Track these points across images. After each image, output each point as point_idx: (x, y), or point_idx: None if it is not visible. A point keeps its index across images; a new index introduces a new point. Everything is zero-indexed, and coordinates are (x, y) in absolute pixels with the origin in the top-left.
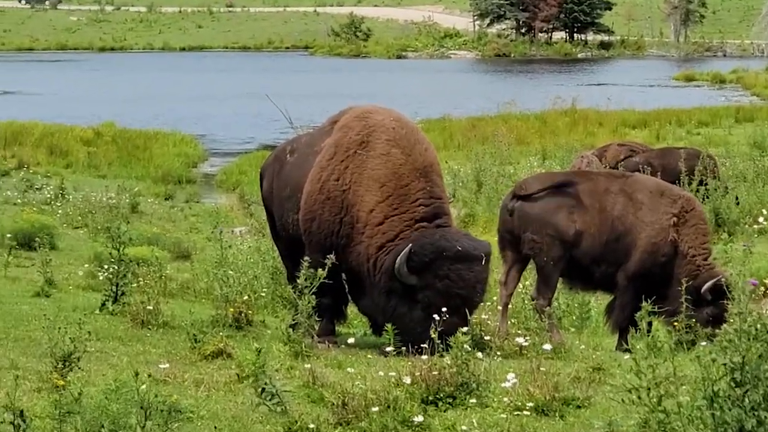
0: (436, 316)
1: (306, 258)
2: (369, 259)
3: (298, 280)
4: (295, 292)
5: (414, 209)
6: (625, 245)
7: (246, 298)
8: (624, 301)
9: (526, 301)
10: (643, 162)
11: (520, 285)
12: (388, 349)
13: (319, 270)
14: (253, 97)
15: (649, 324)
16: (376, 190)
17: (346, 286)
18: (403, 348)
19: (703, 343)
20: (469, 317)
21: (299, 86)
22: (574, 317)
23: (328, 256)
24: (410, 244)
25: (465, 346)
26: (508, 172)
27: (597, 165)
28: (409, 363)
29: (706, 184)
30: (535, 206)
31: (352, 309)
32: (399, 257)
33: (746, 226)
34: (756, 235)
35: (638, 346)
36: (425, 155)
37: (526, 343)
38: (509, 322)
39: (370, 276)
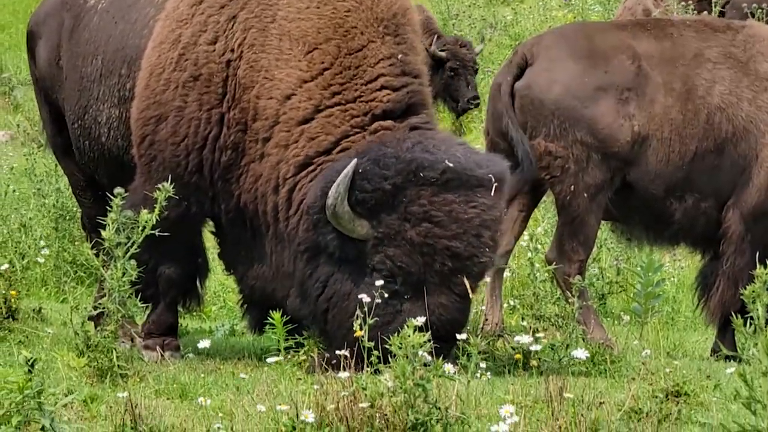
0: (405, 296)
1: (134, 187)
2: (279, 187)
3: (103, 232)
4: (99, 255)
5: (372, 95)
6: (737, 160)
7: (5, 267)
8: (737, 265)
9: (537, 266)
10: None
11: (525, 236)
12: (272, 359)
13: (145, 213)
14: None
15: None
16: (298, 58)
17: (218, 243)
18: (325, 360)
19: None
20: (471, 295)
21: None
22: (628, 294)
23: (168, 185)
24: (354, 159)
25: (420, 353)
26: (503, 17)
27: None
28: (315, 387)
29: None
30: (555, 87)
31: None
32: (334, 184)
33: None
34: None
35: (752, 350)
36: None
37: (538, 346)
38: (503, 305)
39: (277, 221)
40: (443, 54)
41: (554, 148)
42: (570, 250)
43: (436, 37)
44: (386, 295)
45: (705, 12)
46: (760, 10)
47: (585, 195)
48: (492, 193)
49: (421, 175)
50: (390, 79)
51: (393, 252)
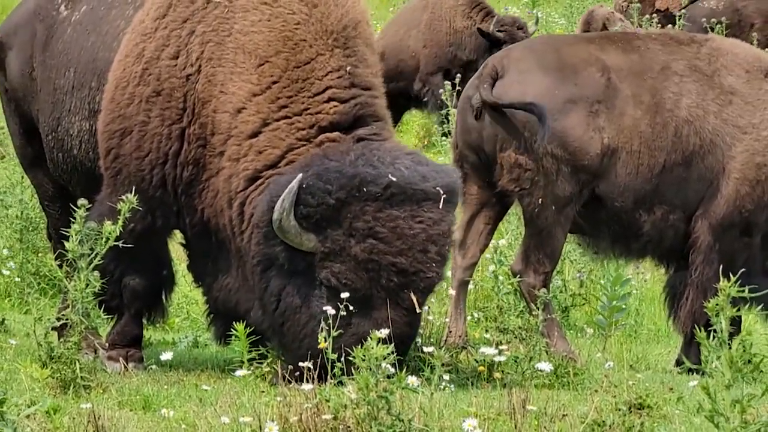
0: (353, 311)
1: (101, 199)
2: (232, 201)
3: (67, 244)
4: (63, 266)
5: (318, 107)
6: (704, 173)
7: None
8: (706, 275)
9: (501, 278)
10: (723, 7)
11: (491, 248)
12: (239, 373)
13: (108, 224)
14: None
15: (737, 320)
16: (250, 71)
17: (187, 255)
18: (288, 372)
19: None
20: (418, 310)
21: None
22: (592, 307)
23: (132, 197)
24: (299, 173)
25: (383, 365)
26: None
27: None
28: (278, 399)
29: None
30: (526, 99)
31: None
32: (279, 198)
33: None
34: None
35: (715, 363)
36: (345, 5)
37: (502, 358)
38: (467, 317)
39: (234, 235)
40: (500, 35)
41: (524, 161)
42: (536, 262)
43: (491, 16)
44: (333, 309)
45: (669, 26)
46: (718, 25)
47: (553, 207)
48: (440, 207)
49: (365, 189)
50: (338, 91)
51: (338, 268)
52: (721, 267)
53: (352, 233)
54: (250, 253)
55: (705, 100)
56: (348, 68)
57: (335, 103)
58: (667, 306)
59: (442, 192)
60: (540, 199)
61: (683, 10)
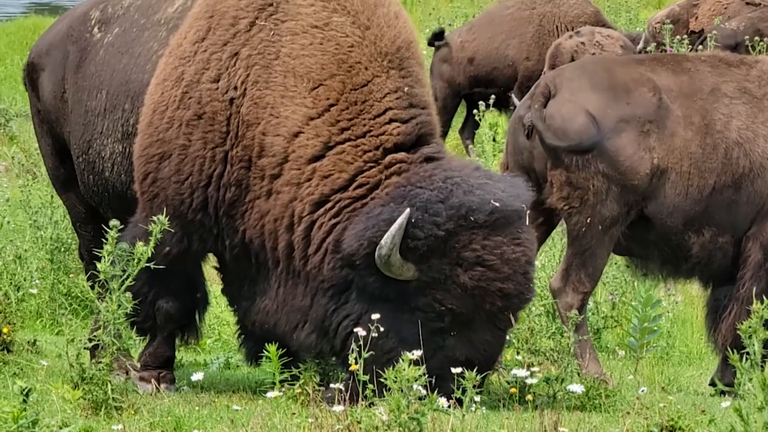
0: (451, 333)
1: (135, 221)
2: (294, 225)
3: (98, 264)
4: (95, 287)
5: (381, 128)
6: (753, 196)
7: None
8: (753, 291)
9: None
10: (744, 27)
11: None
12: (271, 394)
13: (140, 245)
14: None
15: None
16: (303, 95)
17: (221, 278)
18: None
19: None
20: (514, 327)
21: None
22: (624, 329)
23: (163, 218)
24: (407, 208)
25: (415, 387)
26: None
27: (608, 47)
28: (310, 420)
29: None
30: (579, 119)
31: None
32: (387, 234)
33: None
34: None
35: (748, 385)
36: (397, 27)
37: (533, 380)
38: None
39: (291, 258)
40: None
41: (575, 179)
42: (576, 281)
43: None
44: (428, 335)
45: (700, 47)
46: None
47: (600, 227)
48: (526, 224)
49: (471, 218)
50: (398, 112)
51: (442, 295)
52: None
53: (460, 262)
54: (318, 277)
55: (755, 123)
56: (405, 89)
57: (397, 124)
58: (708, 321)
59: (526, 209)
60: (588, 218)
61: (714, 32)
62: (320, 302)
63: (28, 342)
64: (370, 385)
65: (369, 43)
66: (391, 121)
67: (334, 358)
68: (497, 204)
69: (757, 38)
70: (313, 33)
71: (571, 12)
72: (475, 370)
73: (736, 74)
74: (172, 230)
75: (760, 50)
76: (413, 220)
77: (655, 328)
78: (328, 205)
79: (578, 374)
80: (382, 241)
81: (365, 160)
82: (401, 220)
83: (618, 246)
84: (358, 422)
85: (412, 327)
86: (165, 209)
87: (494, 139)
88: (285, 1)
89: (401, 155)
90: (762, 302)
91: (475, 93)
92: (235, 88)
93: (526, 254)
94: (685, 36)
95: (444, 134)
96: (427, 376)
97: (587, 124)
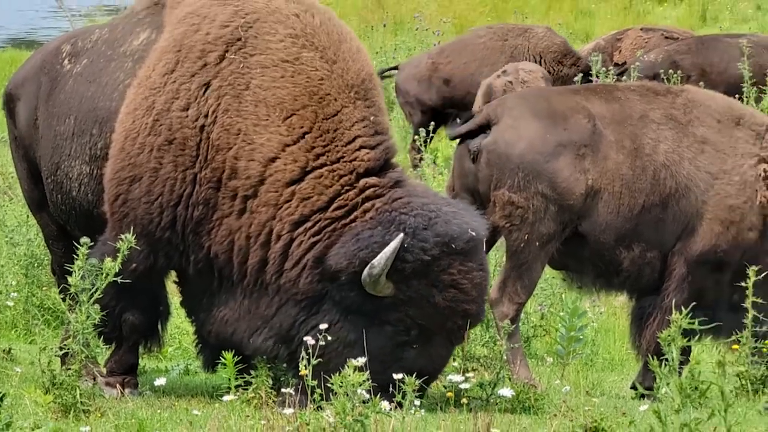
0: (412, 346)
1: (104, 239)
2: (271, 242)
3: (69, 279)
4: (66, 299)
5: (353, 155)
6: (679, 215)
7: None
8: (675, 302)
9: None
10: (662, 59)
11: None
12: (227, 398)
13: (108, 261)
14: None
15: (687, 350)
16: (276, 123)
17: (180, 292)
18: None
19: None
20: (465, 344)
21: None
22: (552, 337)
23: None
24: (401, 233)
25: (359, 391)
26: None
27: (532, 81)
28: (263, 422)
29: None
30: (519, 145)
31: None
32: (381, 256)
33: None
34: None
35: (666, 389)
36: (360, 60)
37: (467, 385)
38: None
39: (263, 272)
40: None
41: (516, 199)
42: (513, 292)
43: (577, 65)
44: (393, 346)
45: (624, 78)
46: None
47: (537, 243)
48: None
49: (453, 246)
50: (366, 139)
51: (414, 312)
52: (689, 297)
53: (437, 284)
54: (292, 289)
55: (680, 147)
56: (371, 117)
57: (366, 150)
58: (632, 328)
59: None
60: (526, 235)
61: (637, 63)
62: (289, 312)
63: (3, 350)
64: (318, 390)
65: (337, 76)
66: (361, 147)
67: (285, 364)
68: (473, 233)
69: (671, 70)
70: (284, 67)
71: (540, 44)
72: (425, 379)
73: (663, 102)
74: (140, 248)
75: (675, 81)
76: (405, 245)
77: (581, 336)
78: (308, 225)
79: (509, 379)
80: (375, 261)
81: (342, 183)
82: (395, 244)
83: (555, 261)
84: (307, 424)
85: (379, 339)
86: (134, 228)
87: (435, 162)
88: (253, 36)
89: (373, 179)
90: (681, 312)
91: (447, 112)
92: (206, 116)
93: (486, 279)
94: (611, 68)
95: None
96: (388, 383)
97: (528, 149)
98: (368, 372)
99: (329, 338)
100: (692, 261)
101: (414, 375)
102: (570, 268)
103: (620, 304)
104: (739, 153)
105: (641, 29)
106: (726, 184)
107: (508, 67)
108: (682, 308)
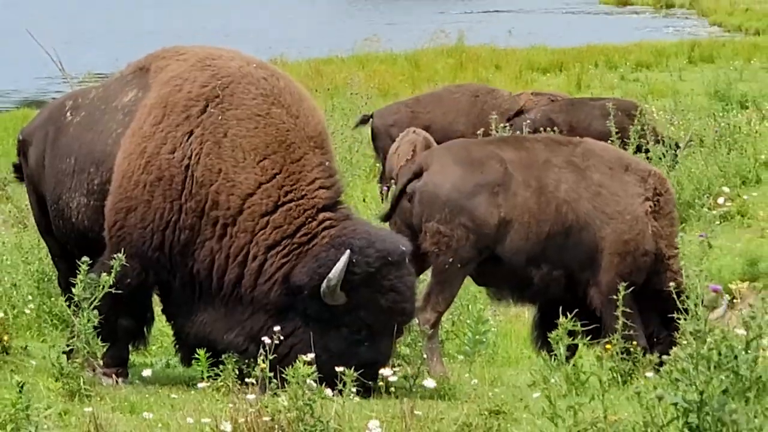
0: (364, 343)
1: (102, 260)
2: (248, 261)
3: (74, 290)
4: (71, 306)
5: (314, 193)
6: (578, 241)
7: (1, 315)
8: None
9: None
10: (540, 117)
11: None
12: (201, 385)
13: (104, 276)
14: (4, 34)
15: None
16: (252, 165)
17: (161, 300)
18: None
19: (648, 375)
20: (401, 339)
21: (74, 20)
22: (461, 340)
23: (121, 256)
24: (347, 251)
25: (308, 381)
26: (367, 136)
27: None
28: (230, 405)
29: (647, 151)
30: (445, 186)
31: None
32: (334, 270)
33: (703, 208)
34: (717, 222)
35: (552, 379)
36: (316, 116)
37: (395, 378)
38: None
39: (238, 285)
40: None
41: (443, 230)
42: (435, 303)
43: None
44: (347, 343)
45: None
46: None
47: (459, 265)
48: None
49: (390, 258)
50: (323, 181)
51: (364, 314)
52: (614, 310)
53: (380, 289)
54: (263, 300)
55: (579, 187)
56: (326, 163)
57: (324, 190)
58: (534, 330)
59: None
60: (450, 258)
61: (528, 120)
62: (260, 318)
63: (22, 347)
64: (275, 380)
65: (299, 128)
66: (320, 187)
67: (252, 359)
68: (404, 248)
69: (548, 126)
70: (257, 120)
71: (504, 104)
72: (375, 368)
73: (564, 150)
74: (134, 266)
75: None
76: (353, 260)
77: (484, 339)
78: (279, 248)
79: (427, 372)
80: (330, 275)
81: (306, 216)
82: (344, 259)
83: (478, 279)
84: (266, 407)
85: (336, 339)
86: (129, 250)
87: (364, 200)
88: (229, 95)
89: (329, 214)
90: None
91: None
92: (190, 157)
93: (414, 282)
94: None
95: None
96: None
97: (452, 189)
98: (327, 366)
99: (293, 340)
100: (604, 289)
101: (367, 366)
102: (491, 284)
103: (515, 312)
104: (629, 194)
105: (532, 93)
106: (620, 223)
107: (405, 133)
108: (568, 314)
